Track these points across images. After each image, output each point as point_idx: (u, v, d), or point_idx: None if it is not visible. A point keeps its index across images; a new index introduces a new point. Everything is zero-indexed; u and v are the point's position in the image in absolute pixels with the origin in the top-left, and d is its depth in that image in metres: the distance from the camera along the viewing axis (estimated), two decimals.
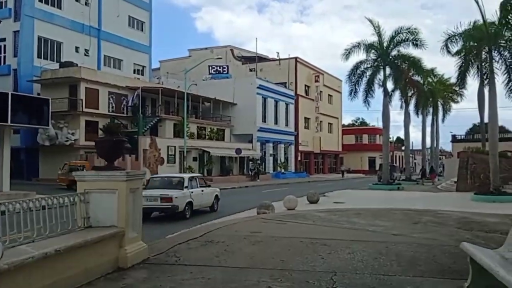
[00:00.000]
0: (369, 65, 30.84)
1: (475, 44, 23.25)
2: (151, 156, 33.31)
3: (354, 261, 6.52)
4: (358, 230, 9.25)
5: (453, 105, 50.63)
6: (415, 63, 31.76)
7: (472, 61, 22.23)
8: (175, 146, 35.54)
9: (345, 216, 11.39)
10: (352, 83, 30.60)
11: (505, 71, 20.94)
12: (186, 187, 15.57)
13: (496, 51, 21.09)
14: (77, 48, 41.99)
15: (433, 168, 42.49)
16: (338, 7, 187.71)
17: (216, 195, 18.01)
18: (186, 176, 16.77)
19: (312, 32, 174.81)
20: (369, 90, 31.31)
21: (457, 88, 23.71)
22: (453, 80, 31.02)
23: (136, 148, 34.23)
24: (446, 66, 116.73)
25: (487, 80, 21.54)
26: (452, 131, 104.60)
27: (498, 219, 11.14)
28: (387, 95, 31.46)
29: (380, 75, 31.04)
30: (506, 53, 20.54)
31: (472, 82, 24.98)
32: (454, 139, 70.73)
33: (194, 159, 38.51)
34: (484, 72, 21.87)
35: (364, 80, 31.14)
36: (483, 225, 10.14)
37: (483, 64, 21.28)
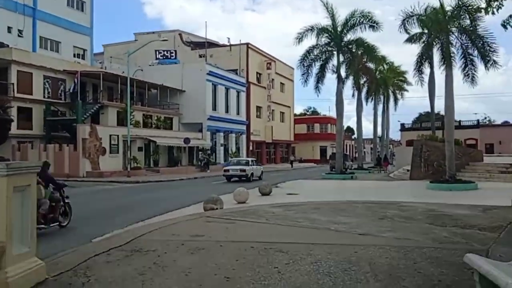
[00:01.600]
0: (322, 50, 29.79)
1: (427, 30, 22.71)
2: (91, 146, 30.73)
3: (320, 274, 5.10)
4: (319, 230, 7.86)
5: (403, 94, 51.03)
6: (369, 49, 31.03)
7: (433, 44, 21.42)
8: (118, 135, 33.02)
9: (302, 212, 9.99)
10: (305, 67, 29.44)
11: (462, 56, 20.38)
12: (250, 165, 29.43)
13: (453, 35, 20.48)
14: (9, 29, 38.18)
15: (386, 157, 42.57)
16: None
17: (262, 171, 31.33)
18: (250, 159, 32.22)
19: (264, 21, 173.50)
20: (321, 76, 30.34)
21: (414, 74, 23.10)
22: (408, 67, 30.56)
23: (74, 137, 31.61)
24: (395, 56, 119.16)
25: (443, 66, 20.88)
26: (399, 120, 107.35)
27: (468, 211, 10.16)
28: (341, 82, 30.58)
29: (334, 61, 30.12)
30: (464, 36, 19.92)
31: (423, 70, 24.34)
32: (403, 128, 72.12)
33: (140, 149, 36.16)
34: (441, 58, 21.15)
35: (317, 65, 30.12)
36: (455, 219, 9.07)
37: (441, 48, 20.57)
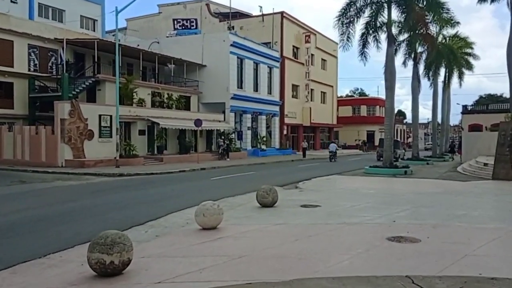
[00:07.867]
0: (368, 1, 22.00)
1: None
2: (72, 128, 24.63)
3: None
4: None
5: (467, 70, 41.96)
6: (434, 3, 22.77)
7: None
8: (111, 116, 26.73)
9: None
10: (344, 26, 21.79)
11: None
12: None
13: None
14: None
15: (461, 144, 34.81)
16: None
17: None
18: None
19: (314, 2, 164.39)
20: (367, 38, 22.65)
21: None
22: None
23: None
24: None
25: None
26: (458, 102, 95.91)
27: None
28: (392, 44, 22.70)
29: (384, 16, 22.24)
30: None
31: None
32: (465, 111, 62.18)
33: (141, 132, 29.81)
34: None
35: (362, 23, 22.46)
36: None
37: None
